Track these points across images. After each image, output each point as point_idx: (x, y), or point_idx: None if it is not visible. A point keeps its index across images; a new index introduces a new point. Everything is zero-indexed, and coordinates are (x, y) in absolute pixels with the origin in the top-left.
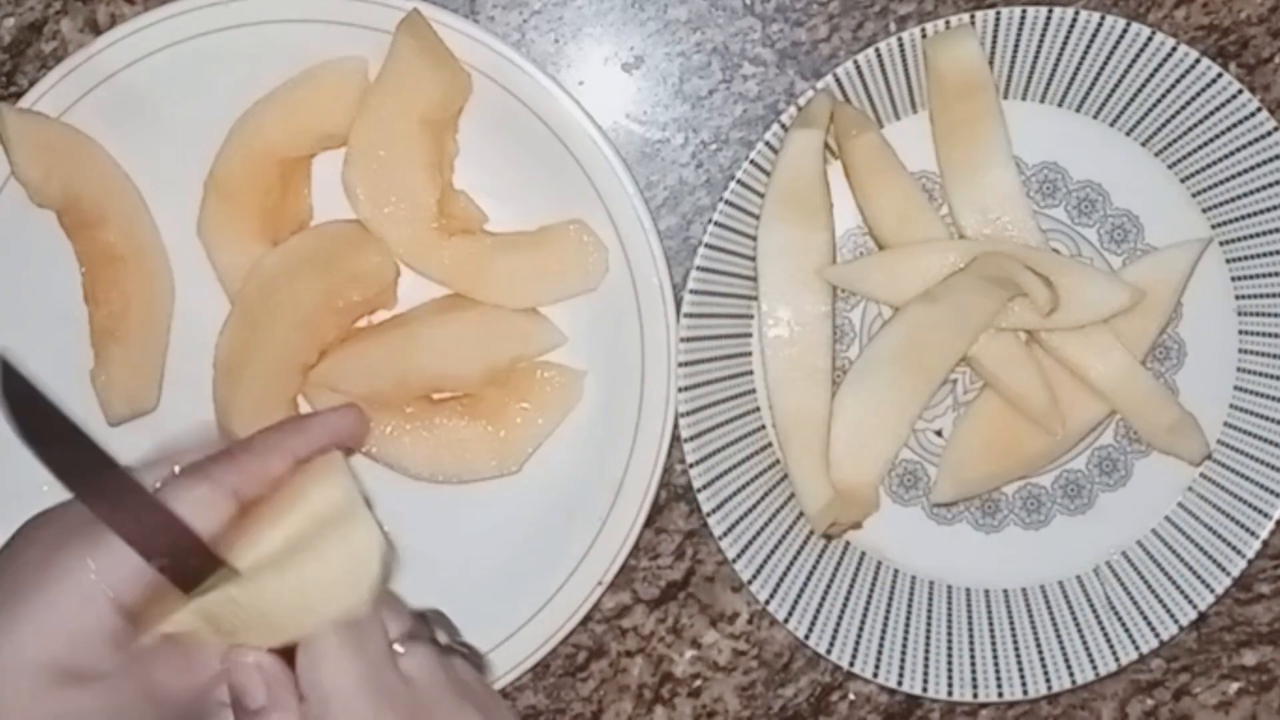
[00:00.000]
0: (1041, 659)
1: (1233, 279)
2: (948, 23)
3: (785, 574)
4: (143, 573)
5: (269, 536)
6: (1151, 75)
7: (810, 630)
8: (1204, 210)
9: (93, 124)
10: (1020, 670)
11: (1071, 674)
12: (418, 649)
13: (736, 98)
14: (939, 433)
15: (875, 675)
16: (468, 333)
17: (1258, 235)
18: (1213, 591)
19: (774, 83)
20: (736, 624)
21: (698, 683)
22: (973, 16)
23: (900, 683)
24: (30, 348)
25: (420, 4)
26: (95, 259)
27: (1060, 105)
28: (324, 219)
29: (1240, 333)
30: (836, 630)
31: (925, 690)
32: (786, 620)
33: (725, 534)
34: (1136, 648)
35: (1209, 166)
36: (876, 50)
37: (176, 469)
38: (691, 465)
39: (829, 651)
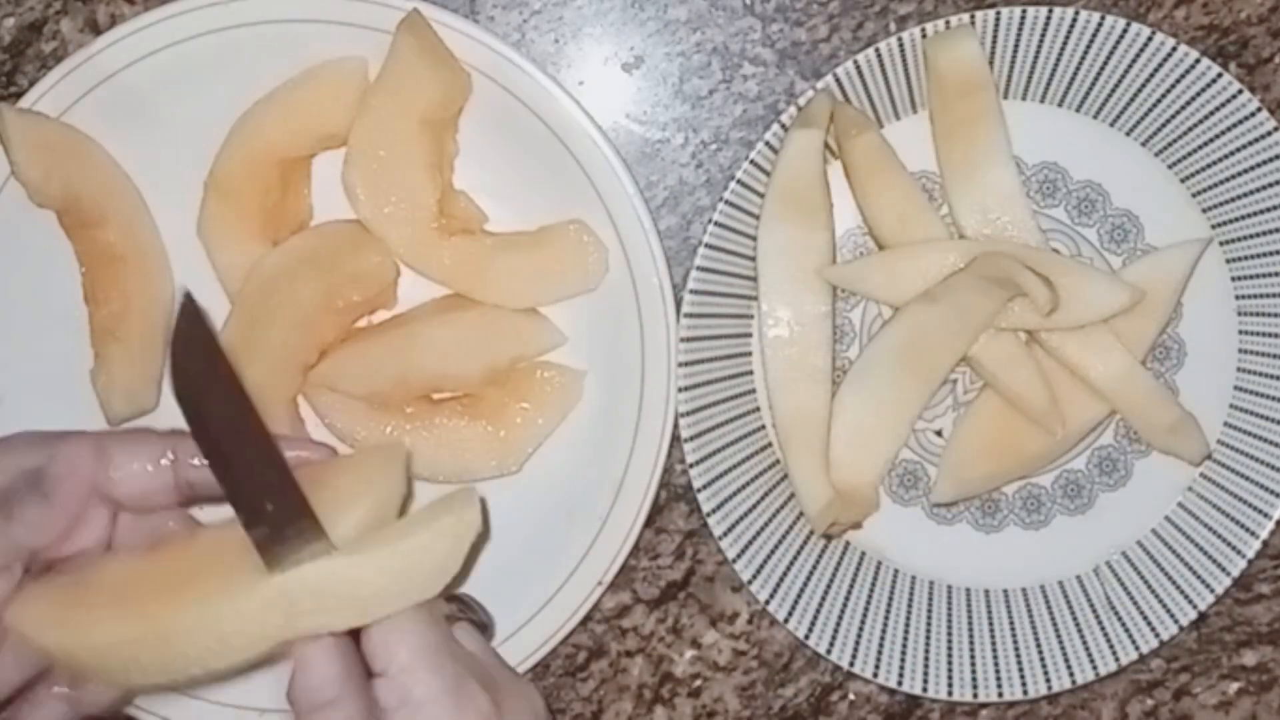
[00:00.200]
0: (1041, 659)
1: (1233, 279)
2: (948, 23)
3: (785, 574)
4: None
5: (343, 517)
6: (1151, 75)
7: (810, 630)
8: (1204, 210)
9: (93, 124)
10: (1020, 670)
11: (1071, 674)
12: (464, 625)
13: (736, 98)
14: (939, 433)
15: (875, 675)
16: (468, 333)
17: (1258, 235)
18: (1213, 591)
19: (774, 83)
20: (736, 624)
21: (698, 683)
22: (973, 16)
23: (900, 683)
24: (30, 348)
25: (420, 4)
26: (95, 259)
27: (1060, 105)
28: (324, 219)
29: (1240, 333)
30: (836, 630)
31: (925, 690)
32: (786, 620)
33: (725, 534)
34: (1136, 648)
35: (1209, 166)
36: (876, 50)
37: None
38: (691, 465)
39: (829, 651)
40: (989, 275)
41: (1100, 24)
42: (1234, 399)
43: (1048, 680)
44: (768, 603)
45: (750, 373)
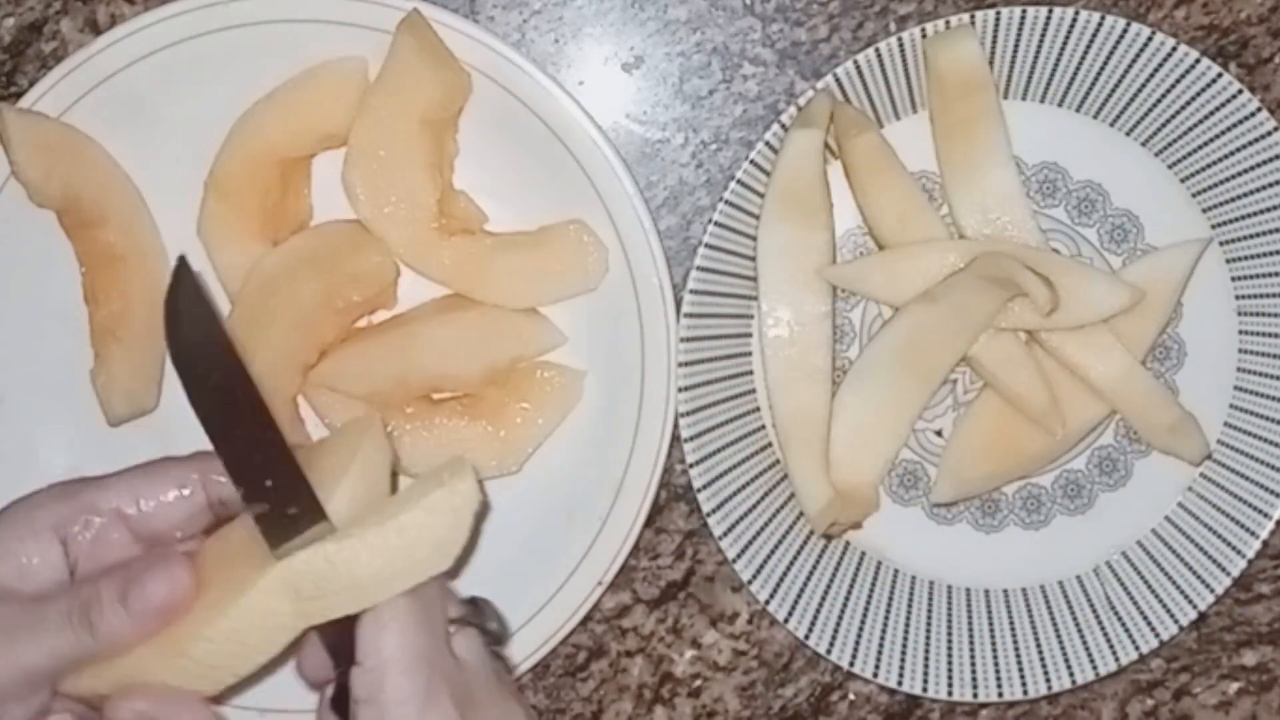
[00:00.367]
0: (1041, 659)
1: (1233, 279)
2: (948, 23)
3: (785, 574)
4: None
5: (334, 491)
6: (1151, 75)
7: (810, 630)
8: (1204, 210)
9: (93, 124)
10: (1020, 670)
11: (1071, 674)
12: (468, 633)
13: (736, 98)
14: (939, 433)
15: (875, 675)
16: (468, 333)
17: (1258, 235)
18: (1213, 591)
19: (774, 83)
20: (736, 624)
21: (698, 683)
22: (973, 16)
23: (900, 683)
24: (30, 348)
25: (420, 4)
26: (95, 259)
27: (1060, 105)
28: (324, 219)
29: (1240, 333)
30: (836, 630)
31: (925, 690)
32: (786, 620)
33: (725, 534)
34: (1136, 648)
35: (1209, 166)
36: (876, 50)
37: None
38: (691, 465)
39: (829, 651)
40: (989, 275)
41: (1100, 24)
42: (1234, 399)
43: (1048, 680)
44: (768, 603)
45: (750, 373)
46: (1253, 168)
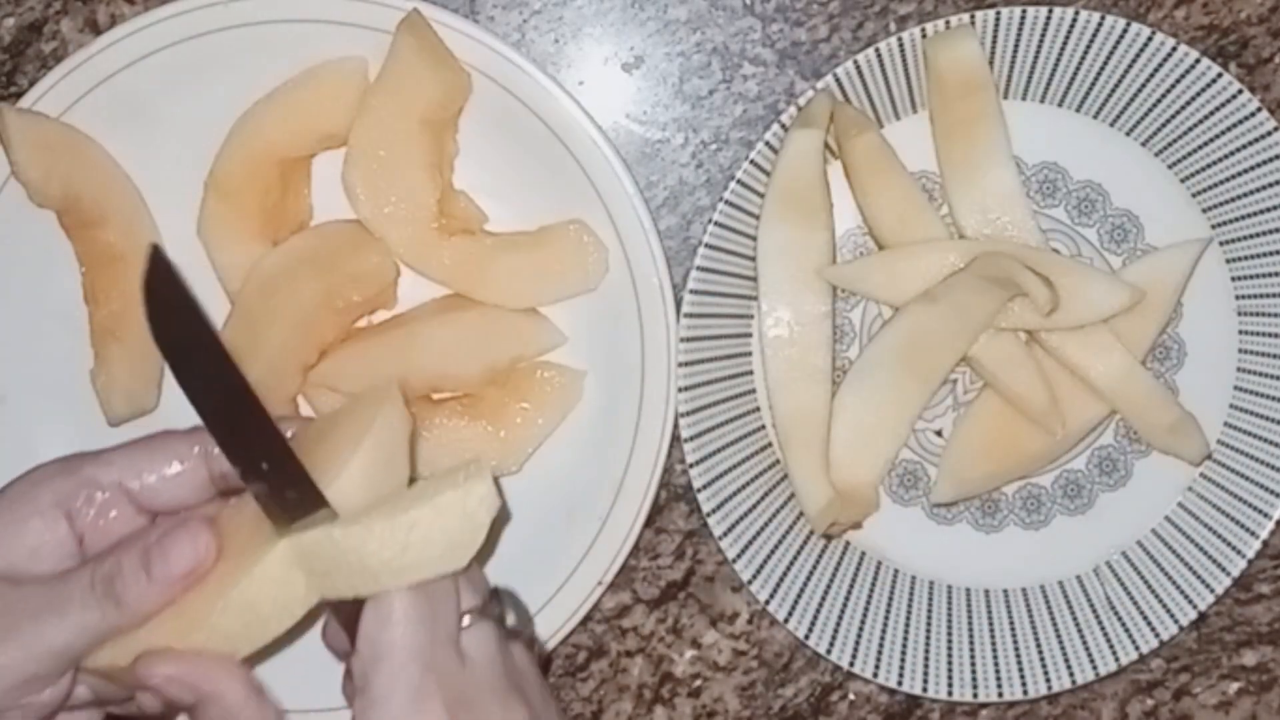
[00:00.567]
0: (1041, 659)
1: (1233, 279)
2: (948, 23)
3: (785, 574)
4: (109, 496)
5: (350, 467)
6: (1151, 75)
7: (810, 630)
8: (1204, 210)
9: (93, 124)
10: (1020, 670)
11: (1071, 674)
12: (483, 627)
13: (736, 98)
14: (939, 433)
15: (875, 675)
16: (468, 333)
17: (1258, 235)
18: (1213, 591)
19: (774, 83)
20: (736, 624)
21: (698, 683)
22: (973, 16)
23: (900, 683)
24: (30, 348)
25: (420, 4)
26: (95, 259)
27: (1060, 105)
28: (324, 219)
29: (1240, 333)
30: (836, 630)
31: (925, 690)
32: (786, 620)
33: (725, 534)
34: (1136, 648)
35: (1209, 166)
36: (876, 50)
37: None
38: (691, 465)
39: (829, 651)
40: (989, 275)
41: (1100, 24)
42: (1234, 399)
43: (1048, 680)
44: (768, 603)
45: (750, 373)
46: (1253, 168)
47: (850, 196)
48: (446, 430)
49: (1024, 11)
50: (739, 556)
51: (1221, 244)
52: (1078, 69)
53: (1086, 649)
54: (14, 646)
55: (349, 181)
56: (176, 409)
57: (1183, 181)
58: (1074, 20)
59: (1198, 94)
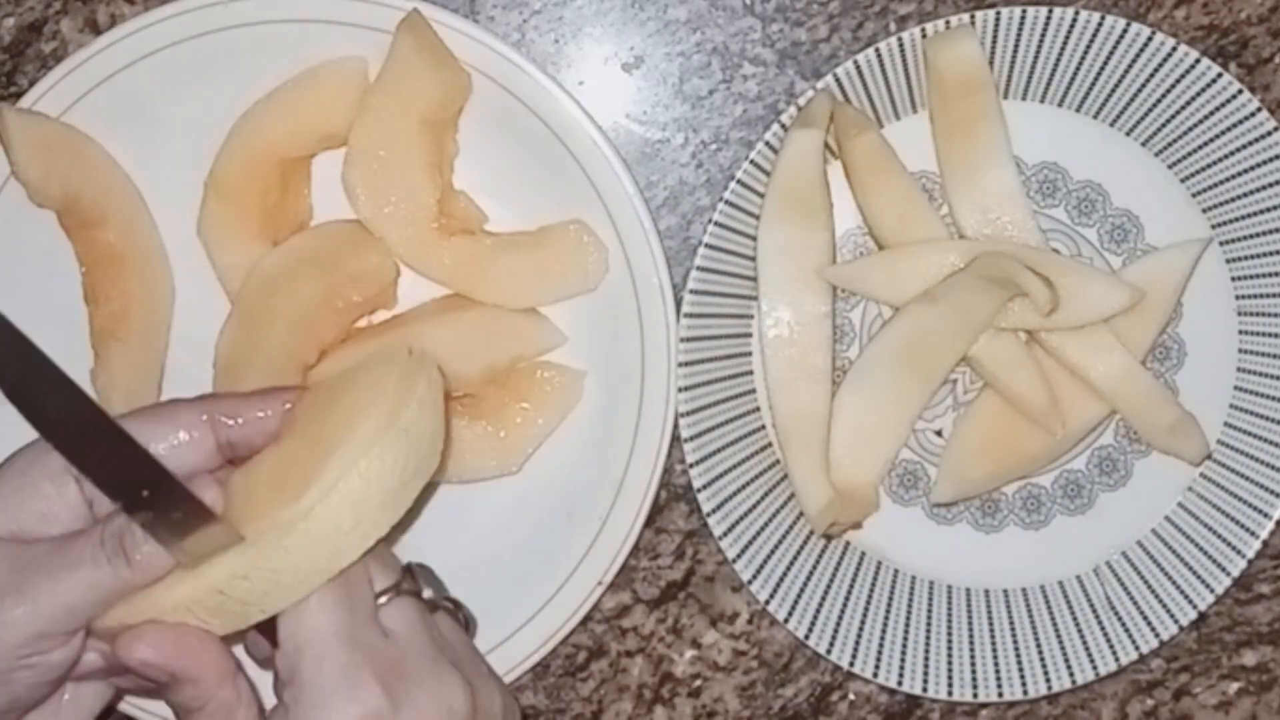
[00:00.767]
0: (1041, 659)
1: (1233, 279)
2: (948, 23)
3: (785, 574)
4: None
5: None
6: (1151, 75)
7: (810, 630)
8: (1204, 210)
9: (93, 124)
10: (1020, 670)
11: (1071, 674)
12: (401, 602)
13: (736, 98)
14: (939, 433)
15: (875, 675)
16: (468, 333)
17: (1258, 235)
18: (1213, 591)
19: (774, 83)
20: (736, 624)
21: (698, 683)
22: (973, 16)
23: (900, 683)
24: None
25: (420, 4)
26: (95, 259)
27: (1060, 105)
28: (324, 219)
29: (1240, 333)
30: (836, 630)
31: (925, 690)
32: (786, 620)
33: (725, 534)
34: (1136, 648)
35: (1209, 166)
36: (876, 50)
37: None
38: (691, 465)
39: (829, 651)
40: (989, 275)
41: (1100, 24)
42: (1234, 399)
43: (1048, 680)
44: (768, 603)
45: (750, 373)
46: (1253, 168)
47: (850, 196)
48: None
49: (1024, 11)
50: (739, 556)
51: (1221, 244)
52: (1078, 69)
53: (1086, 649)
54: (24, 602)
55: (349, 181)
56: None
57: (1183, 181)
58: (1074, 20)
59: (1198, 94)
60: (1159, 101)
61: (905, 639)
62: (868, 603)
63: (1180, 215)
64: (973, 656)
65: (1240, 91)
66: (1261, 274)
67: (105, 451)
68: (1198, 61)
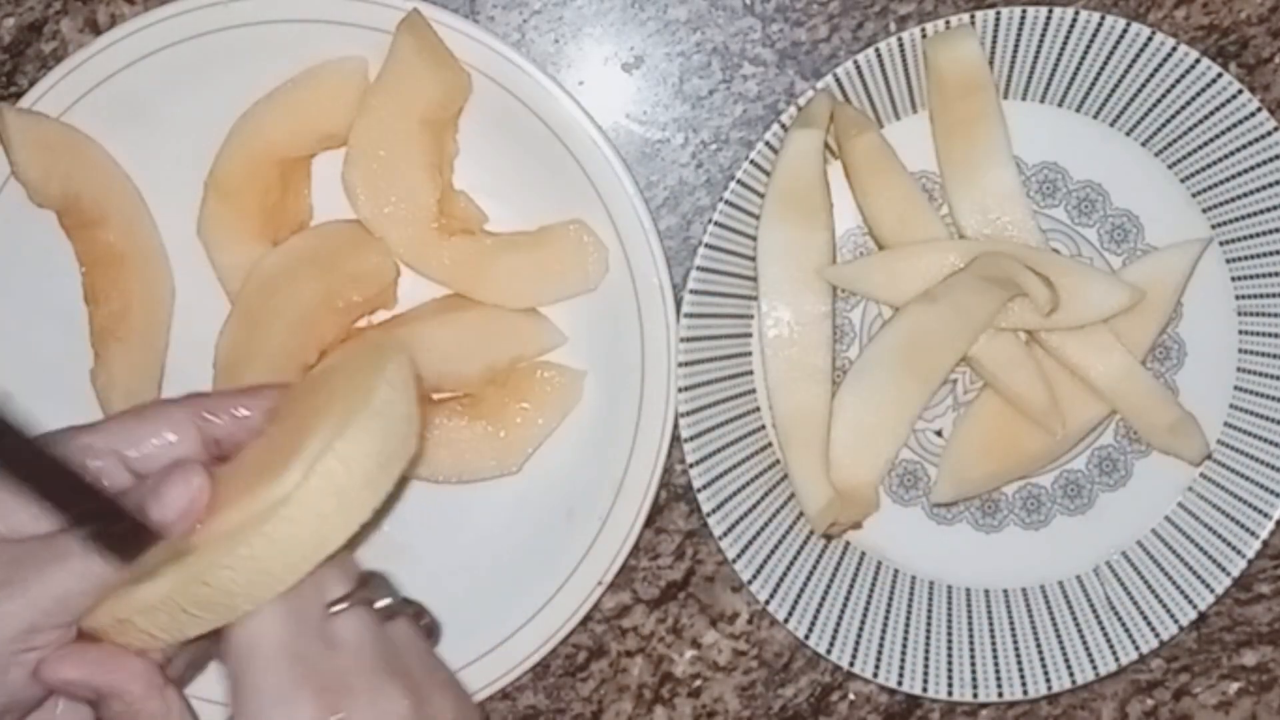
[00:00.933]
0: (1041, 659)
1: (1233, 279)
2: (948, 23)
3: (785, 574)
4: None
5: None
6: (1151, 75)
7: (810, 630)
8: (1204, 210)
9: (93, 124)
10: (1020, 670)
11: (1071, 674)
12: (353, 612)
13: (736, 98)
14: (939, 433)
15: (875, 675)
16: (468, 333)
17: (1258, 235)
18: (1213, 591)
19: (774, 83)
20: (736, 624)
21: (698, 683)
22: (973, 16)
23: (900, 683)
24: (30, 348)
25: (420, 4)
26: (95, 259)
27: (1060, 105)
28: (324, 219)
29: (1240, 333)
30: (836, 630)
31: (925, 690)
32: (786, 620)
33: (725, 534)
34: (1136, 648)
35: (1209, 166)
36: (876, 50)
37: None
38: (691, 465)
39: (829, 651)
40: (989, 275)
41: (1100, 24)
42: (1234, 399)
43: (1048, 680)
44: (768, 603)
45: (750, 373)
46: (1253, 168)
47: (850, 196)
48: (446, 430)
49: (1024, 11)
50: (739, 556)
51: (1221, 244)
52: (1078, 69)
53: (1086, 649)
54: (16, 594)
55: (349, 181)
56: None
57: (1183, 181)
58: (1074, 20)
59: (1198, 94)
60: (1159, 101)
61: (905, 639)
62: (868, 603)
63: (1180, 215)
64: (973, 656)
65: (1240, 91)
66: (1261, 274)
67: (38, 472)
68: (1198, 61)
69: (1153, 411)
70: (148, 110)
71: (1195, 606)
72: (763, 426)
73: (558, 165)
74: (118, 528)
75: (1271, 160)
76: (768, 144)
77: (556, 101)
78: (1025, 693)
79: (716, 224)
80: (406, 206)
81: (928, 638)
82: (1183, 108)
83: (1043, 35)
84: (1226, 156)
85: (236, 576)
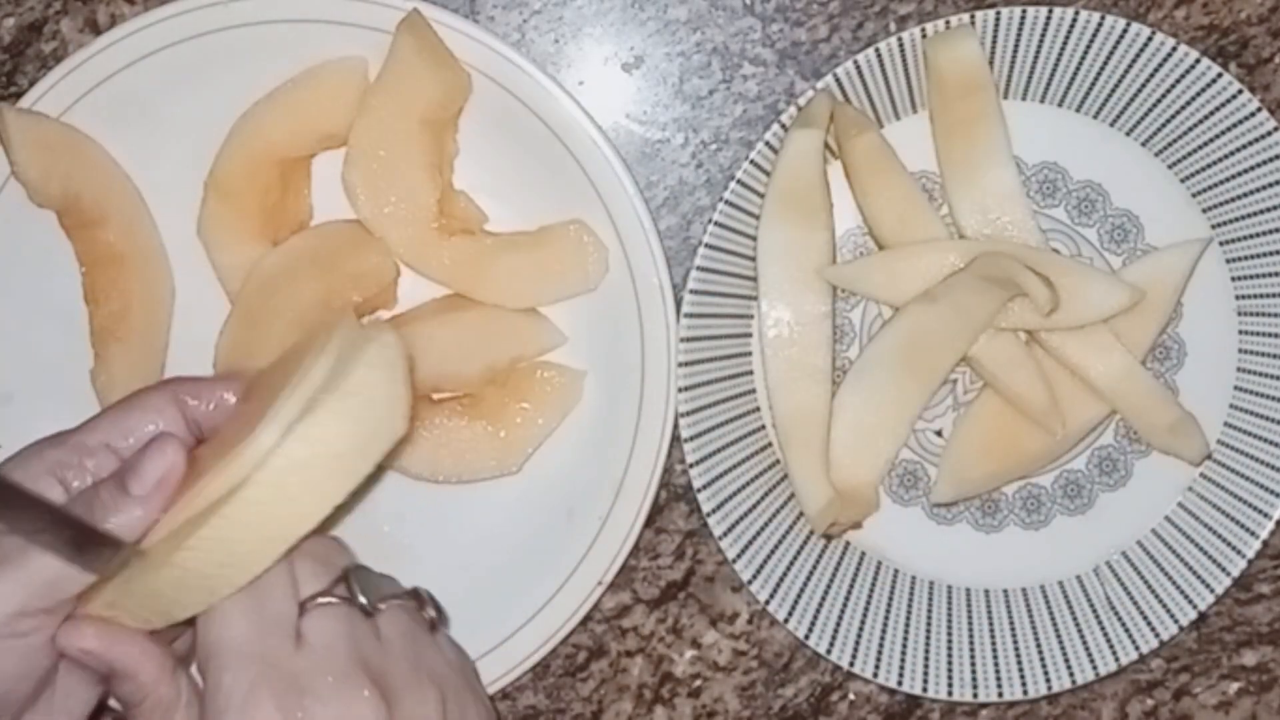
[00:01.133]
0: (1041, 659)
1: (1233, 279)
2: (948, 23)
3: (785, 574)
4: None
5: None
6: (1151, 75)
7: (810, 630)
8: (1204, 210)
9: (93, 124)
10: (1020, 670)
11: (1071, 674)
12: (326, 610)
13: (736, 98)
14: (939, 433)
15: (875, 675)
16: (468, 333)
17: (1258, 235)
18: (1213, 591)
19: (774, 83)
20: (736, 624)
21: (698, 683)
22: (973, 16)
23: (900, 683)
24: (30, 348)
25: (420, 4)
26: (95, 259)
27: (1060, 105)
28: (324, 219)
29: (1240, 333)
30: (836, 630)
31: (925, 690)
32: (786, 620)
33: (725, 534)
34: (1136, 648)
35: (1209, 166)
36: (876, 50)
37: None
38: (691, 465)
39: (829, 651)
40: (989, 275)
41: (1100, 24)
42: (1234, 399)
43: (1048, 680)
44: (768, 603)
45: (750, 373)
46: (1253, 168)
47: (850, 196)
48: (446, 430)
49: (1024, 11)
50: (739, 556)
51: (1221, 244)
52: (1078, 69)
53: (1086, 649)
54: (6, 575)
55: (349, 181)
56: None
57: (1183, 181)
58: (1074, 20)
59: (1198, 94)
60: (1159, 101)
61: (905, 639)
62: (868, 603)
63: (1180, 215)
64: (973, 656)
65: (1240, 91)
66: (1261, 274)
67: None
68: (1198, 61)
69: (1153, 411)
70: (148, 110)
71: (1195, 606)
72: (763, 426)
73: (558, 165)
74: (86, 538)
75: (1271, 160)
76: (768, 144)
77: (556, 101)
78: (1025, 693)
79: (716, 224)
80: (406, 206)
81: (928, 638)
82: (1183, 108)
83: (1043, 35)
84: (1226, 156)
85: (200, 558)
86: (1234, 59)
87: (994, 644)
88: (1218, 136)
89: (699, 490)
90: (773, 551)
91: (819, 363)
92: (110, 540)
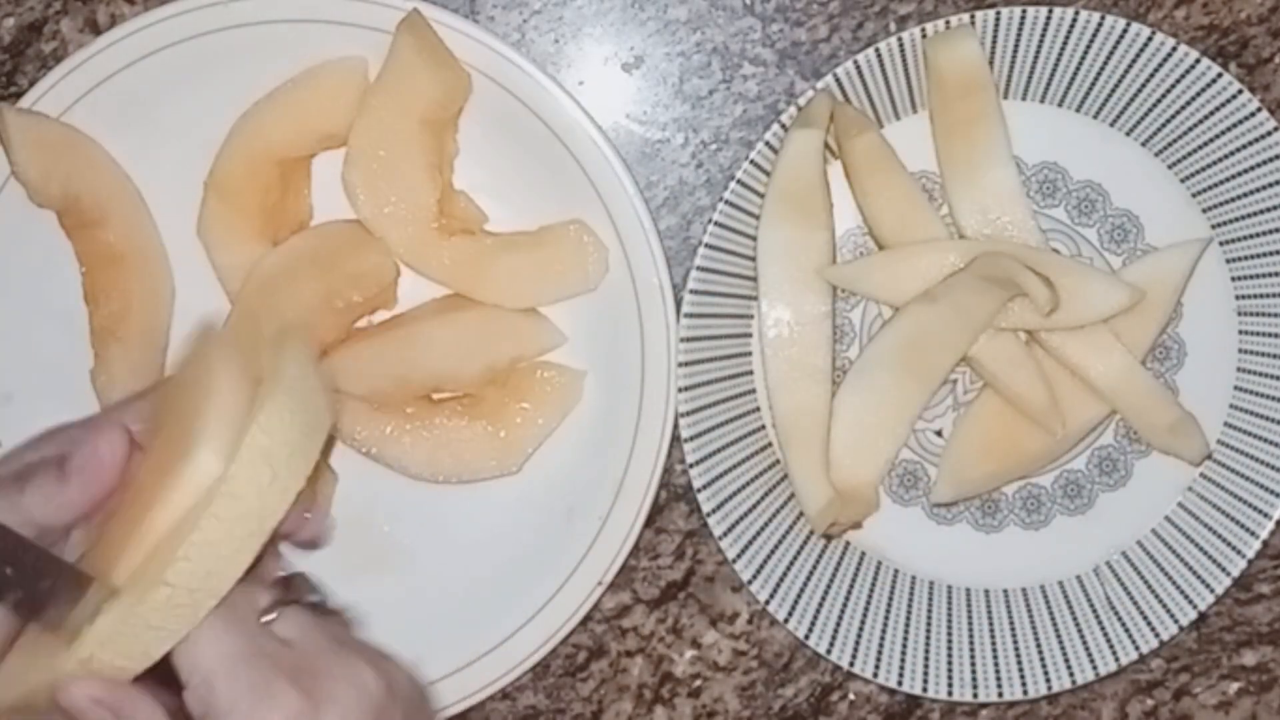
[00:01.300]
0: (1041, 659)
1: (1233, 279)
2: (948, 23)
3: (785, 574)
4: None
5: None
6: (1151, 75)
7: (810, 630)
8: (1204, 210)
9: (93, 124)
10: (1020, 670)
11: (1071, 674)
12: (290, 612)
13: (736, 98)
14: (939, 433)
15: (875, 675)
16: (468, 333)
17: (1258, 235)
18: (1213, 591)
19: (774, 83)
20: (736, 624)
21: (698, 683)
22: (973, 16)
23: (900, 683)
24: (30, 348)
25: (420, 4)
26: (95, 259)
27: (1060, 105)
28: (324, 219)
29: (1240, 333)
30: (836, 630)
31: (925, 690)
32: (786, 620)
33: (725, 534)
34: (1136, 648)
35: (1209, 166)
36: (876, 50)
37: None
38: (691, 465)
39: (829, 651)
40: (989, 275)
41: (1100, 24)
42: (1234, 399)
43: (1048, 680)
44: (768, 603)
45: (750, 373)
46: (1253, 168)
47: (850, 196)
48: (446, 430)
49: (1024, 11)
50: (739, 556)
51: (1221, 244)
52: (1078, 69)
53: (1086, 649)
54: None
55: (349, 181)
56: None
57: (1183, 181)
58: (1074, 20)
59: (1198, 94)
60: (1159, 101)
61: (905, 639)
62: (868, 603)
63: (1180, 215)
64: (973, 656)
65: (1240, 91)
66: (1261, 274)
67: None
68: (1198, 61)
69: (1153, 411)
70: (148, 110)
71: (1195, 606)
72: (763, 426)
73: (558, 165)
74: (42, 583)
75: (1271, 160)
76: (768, 144)
77: (556, 101)
78: (1025, 693)
79: (716, 224)
80: (406, 206)
81: (928, 638)
82: (1183, 108)
83: (1043, 35)
84: (1226, 156)
85: (194, 566)
86: (1234, 59)
87: (994, 644)
88: (1218, 136)
89: (699, 490)
90: (773, 551)
91: (819, 363)
92: (76, 582)
